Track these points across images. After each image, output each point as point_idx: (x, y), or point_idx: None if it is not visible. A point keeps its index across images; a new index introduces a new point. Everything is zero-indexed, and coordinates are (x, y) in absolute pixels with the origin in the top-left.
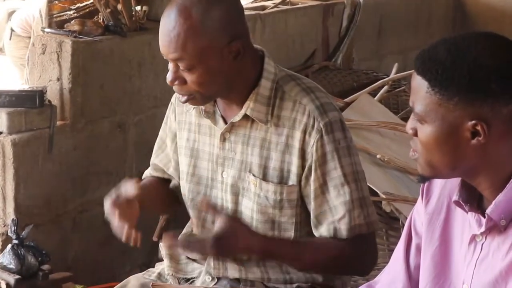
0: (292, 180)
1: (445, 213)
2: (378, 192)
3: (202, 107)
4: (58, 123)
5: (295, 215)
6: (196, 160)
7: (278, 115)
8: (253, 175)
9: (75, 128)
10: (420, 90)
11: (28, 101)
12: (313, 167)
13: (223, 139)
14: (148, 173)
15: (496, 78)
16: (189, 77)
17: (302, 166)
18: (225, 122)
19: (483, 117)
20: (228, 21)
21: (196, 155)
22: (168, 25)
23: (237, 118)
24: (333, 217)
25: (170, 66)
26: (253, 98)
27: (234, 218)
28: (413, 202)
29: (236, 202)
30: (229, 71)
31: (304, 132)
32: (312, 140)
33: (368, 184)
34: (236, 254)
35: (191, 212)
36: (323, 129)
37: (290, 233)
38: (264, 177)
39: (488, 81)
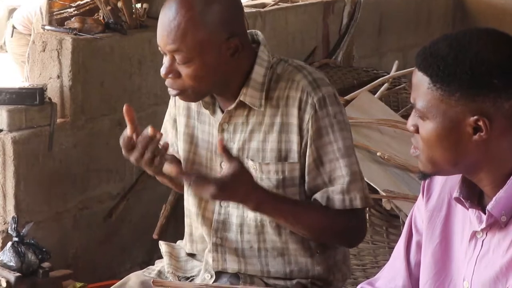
0: (292, 157)
1: (446, 210)
2: (378, 189)
3: None
4: (58, 120)
5: (298, 193)
6: (195, 148)
7: (272, 97)
8: (252, 160)
9: (75, 125)
10: (422, 86)
11: (28, 99)
12: (308, 142)
13: (222, 129)
14: None
15: (498, 73)
16: (184, 70)
17: (300, 143)
18: (223, 113)
19: (485, 112)
20: (228, 17)
21: (195, 142)
22: (169, 15)
23: (232, 106)
24: (328, 191)
25: (165, 59)
26: (247, 85)
27: (242, 167)
28: (413, 199)
29: None
30: (225, 67)
31: (299, 108)
32: (307, 115)
33: (368, 182)
34: (234, 200)
35: (190, 200)
36: (316, 104)
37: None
38: (263, 160)
39: (490, 76)
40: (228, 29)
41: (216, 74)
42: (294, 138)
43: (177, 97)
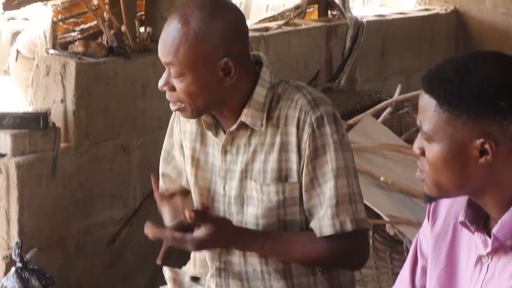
0: (293, 177)
1: (451, 235)
2: (382, 215)
3: (204, 117)
4: (62, 145)
5: (299, 212)
6: (197, 170)
7: (272, 117)
8: (254, 181)
9: (79, 150)
10: (428, 108)
11: (32, 123)
12: (305, 162)
13: (225, 151)
14: (163, 190)
15: (504, 95)
16: (178, 84)
17: (299, 162)
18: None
19: (492, 135)
20: (225, 37)
21: (197, 165)
22: (167, 29)
23: (234, 126)
24: (319, 213)
25: (165, 71)
26: (248, 105)
27: (218, 224)
28: (417, 225)
29: (241, 213)
30: (219, 87)
31: (298, 127)
32: (305, 135)
33: (372, 207)
34: (215, 248)
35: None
36: (314, 123)
37: (296, 230)
38: (264, 180)
39: (497, 98)
40: (223, 49)
41: (210, 93)
42: (294, 157)
43: (181, 123)
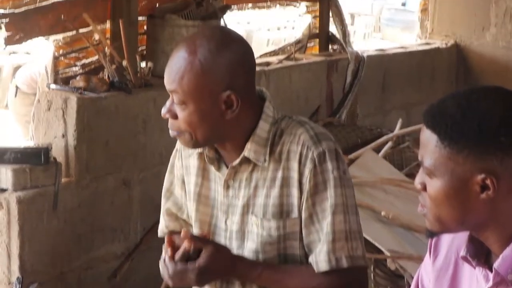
0: (294, 212)
1: (453, 269)
2: (383, 249)
3: (206, 152)
4: (63, 179)
5: (299, 247)
6: (199, 205)
7: (275, 151)
8: (255, 216)
9: (80, 185)
10: (429, 144)
11: (33, 158)
12: (306, 197)
13: (227, 186)
14: (163, 226)
15: (505, 131)
16: (180, 113)
17: (300, 197)
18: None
19: (493, 171)
20: (231, 70)
21: (199, 200)
22: (174, 57)
23: (236, 161)
24: (317, 249)
25: (169, 99)
26: (251, 140)
27: (217, 249)
28: (418, 259)
29: (241, 248)
30: (220, 119)
31: (300, 162)
32: (307, 170)
33: (373, 242)
34: (216, 279)
35: None
36: (316, 159)
37: (296, 264)
38: (265, 215)
39: (498, 134)
40: (227, 82)
41: (211, 124)
42: (295, 192)
43: (183, 158)
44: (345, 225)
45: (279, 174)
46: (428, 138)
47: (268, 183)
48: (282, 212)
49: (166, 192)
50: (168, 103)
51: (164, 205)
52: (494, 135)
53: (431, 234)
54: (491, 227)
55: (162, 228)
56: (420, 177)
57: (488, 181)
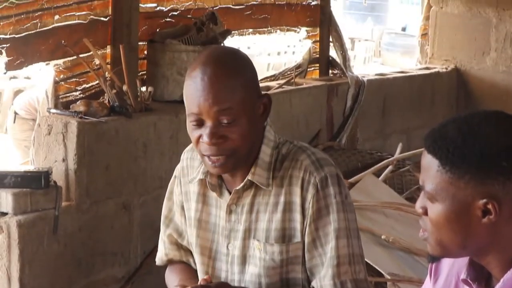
0: (297, 237)
1: None
2: (383, 272)
3: (208, 178)
4: (64, 203)
5: (301, 271)
6: (199, 231)
7: (277, 177)
8: (258, 240)
9: (80, 208)
10: (431, 168)
11: (33, 182)
12: (308, 222)
13: (230, 211)
14: (163, 254)
15: (507, 156)
16: (232, 130)
17: (302, 222)
18: (230, 194)
19: (494, 195)
20: (256, 78)
21: (199, 226)
22: (212, 78)
23: (241, 185)
24: (321, 273)
25: (208, 126)
26: (255, 164)
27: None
28: (418, 282)
29: (242, 272)
30: (258, 127)
31: (302, 187)
32: (309, 195)
33: (373, 265)
34: None
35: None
36: (318, 184)
37: None
38: (267, 240)
39: (499, 159)
40: (258, 87)
41: (253, 133)
42: (298, 217)
43: (182, 184)
44: (348, 249)
45: (281, 199)
46: (429, 163)
47: (270, 208)
48: (284, 236)
49: (165, 220)
50: (212, 128)
51: (165, 232)
52: (495, 160)
53: (433, 258)
54: (492, 251)
55: (162, 256)
56: (421, 201)
57: (489, 206)
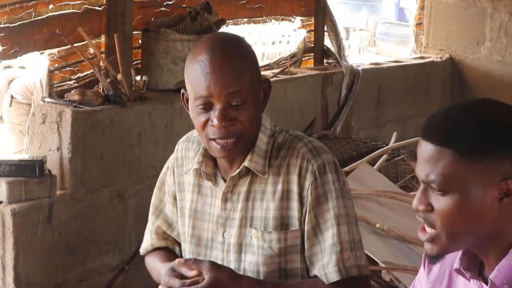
0: (294, 225)
1: (447, 282)
2: (378, 261)
3: (203, 168)
4: (58, 192)
5: (300, 261)
6: (195, 221)
7: (273, 165)
8: (255, 228)
9: (74, 197)
10: (441, 160)
11: (28, 171)
12: (308, 209)
13: (225, 199)
14: (148, 244)
15: None
16: (241, 112)
17: (301, 210)
18: (226, 183)
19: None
20: (258, 62)
21: (195, 216)
22: (222, 61)
23: (236, 172)
24: (323, 260)
25: (217, 109)
26: (252, 151)
27: (217, 268)
28: (413, 271)
29: (239, 260)
30: (260, 112)
31: (299, 175)
32: (307, 182)
33: (368, 253)
34: None
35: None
36: (316, 171)
37: (297, 278)
38: (266, 228)
39: None
40: (260, 73)
41: (258, 119)
42: (295, 205)
43: (175, 175)
44: (349, 235)
45: (279, 188)
46: (439, 154)
47: (267, 196)
48: (282, 224)
49: (155, 210)
50: (222, 111)
51: (154, 223)
52: None
53: (437, 258)
54: (495, 238)
55: (147, 246)
56: (423, 198)
57: (509, 185)
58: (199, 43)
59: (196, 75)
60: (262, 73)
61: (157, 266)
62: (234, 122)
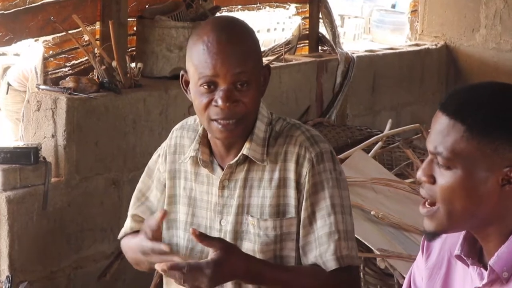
0: (290, 213)
1: (446, 268)
2: (373, 248)
3: (200, 155)
4: (53, 179)
5: (295, 249)
6: (194, 209)
7: (271, 153)
8: (252, 216)
9: (69, 184)
10: (452, 134)
11: (23, 158)
12: (304, 197)
13: (222, 186)
14: (127, 228)
15: None
16: (245, 94)
17: (297, 198)
18: (223, 170)
19: None
20: (260, 45)
21: (193, 204)
22: (228, 42)
23: (234, 159)
24: (319, 249)
25: (222, 89)
26: (250, 139)
27: (228, 244)
28: (408, 258)
29: None
30: (260, 97)
31: (297, 163)
32: (305, 170)
33: (363, 241)
34: (232, 279)
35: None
36: (314, 159)
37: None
38: (262, 215)
39: None
40: (262, 58)
41: (259, 103)
42: (292, 193)
43: (168, 163)
44: (344, 225)
45: (276, 175)
46: (451, 128)
47: (265, 184)
48: (278, 212)
49: (141, 196)
50: (227, 91)
51: (136, 208)
52: None
53: (433, 235)
54: (495, 223)
55: (126, 230)
56: (427, 169)
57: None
58: (203, 25)
59: (202, 56)
60: None
61: (132, 242)
62: (237, 103)
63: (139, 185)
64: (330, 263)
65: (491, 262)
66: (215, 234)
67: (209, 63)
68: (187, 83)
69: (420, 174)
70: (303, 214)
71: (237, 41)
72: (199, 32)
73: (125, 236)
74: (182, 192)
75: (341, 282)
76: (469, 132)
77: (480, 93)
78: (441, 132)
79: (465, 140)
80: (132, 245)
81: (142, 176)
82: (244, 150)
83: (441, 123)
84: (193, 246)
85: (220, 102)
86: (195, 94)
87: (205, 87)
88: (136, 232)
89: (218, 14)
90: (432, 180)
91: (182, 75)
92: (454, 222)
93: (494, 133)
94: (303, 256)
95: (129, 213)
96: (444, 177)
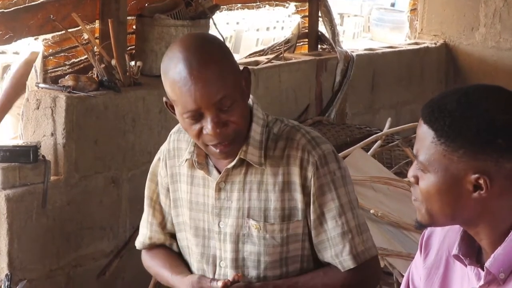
0: (297, 216)
1: (444, 267)
2: None
3: (195, 158)
4: (52, 178)
5: (301, 248)
6: (191, 212)
7: (271, 156)
8: (254, 219)
9: (69, 183)
10: (426, 139)
11: (22, 156)
12: (311, 200)
13: (219, 189)
14: (146, 237)
15: (503, 133)
16: (232, 114)
17: (304, 201)
18: (219, 172)
19: (487, 171)
20: (232, 54)
21: (191, 207)
22: (202, 71)
23: (232, 163)
24: (334, 249)
25: (209, 117)
26: (247, 143)
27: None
28: (407, 257)
29: (236, 251)
30: (247, 100)
31: (301, 166)
32: (309, 174)
33: None
34: None
35: (192, 261)
36: (317, 162)
37: (297, 265)
38: (266, 219)
39: (495, 136)
40: (237, 64)
41: (247, 110)
42: (298, 196)
43: (168, 167)
44: (355, 220)
45: (279, 179)
46: (425, 133)
47: (268, 187)
48: (284, 216)
49: (151, 202)
50: (214, 118)
51: (153, 214)
52: (492, 137)
53: (421, 225)
54: (481, 224)
55: (144, 239)
56: (413, 170)
57: (481, 181)
58: (170, 55)
59: (179, 90)
60: (257, 59)
61: (165, 275)
62: (227, 126)
63: (146, 192)
64: (347, 263)
65: (487, 264)
66: (214, 236)
67: (189, 97)
68: (172, 106)
69: (408, 175)
70: (312, 216)
71: (209, 65)
72: (168, 63)
73: (148, 251)
74: (184, 195)
75: (360, 278)
76: (437, 139)
77: (449, 100)
78: (419, 137)
79: (434, 146)
80: (167, 278)
81: (147, 182)
82: (241, 154)
83: (419, 128)
84: (203, 250)
85: (210, 130)
86: (184, 124)
87: (192, 119)
88: (157, 248)
89: (217, 12)
90: (416, 181)
91: (166, 102)
92: (436, 220)
93: (458, 141)
94: (318, 252)
95: (146, 221)
96: (423, 180)
